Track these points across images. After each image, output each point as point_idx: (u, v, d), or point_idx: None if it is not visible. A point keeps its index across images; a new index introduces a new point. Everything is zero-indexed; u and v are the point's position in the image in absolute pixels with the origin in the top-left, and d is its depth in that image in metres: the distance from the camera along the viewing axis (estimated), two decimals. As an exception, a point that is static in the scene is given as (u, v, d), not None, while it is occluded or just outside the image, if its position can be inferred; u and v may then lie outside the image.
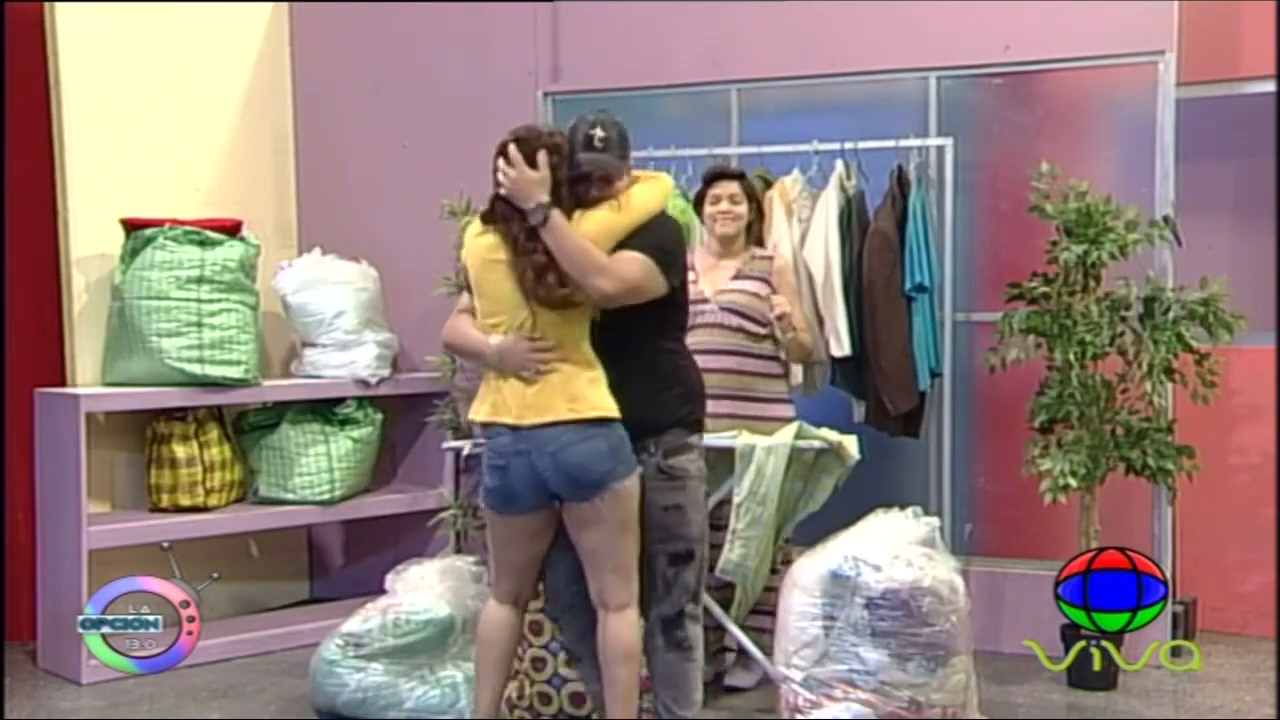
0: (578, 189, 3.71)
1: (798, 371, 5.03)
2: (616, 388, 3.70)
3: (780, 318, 4.63)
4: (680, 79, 5.75)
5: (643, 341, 3.78)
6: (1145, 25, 5.07)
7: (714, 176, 4.86)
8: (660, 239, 3.75)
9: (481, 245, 3.74)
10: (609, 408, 3.67)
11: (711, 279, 4.82)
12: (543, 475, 3.66)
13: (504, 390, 3.70)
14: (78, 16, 5.48)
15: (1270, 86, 5.36)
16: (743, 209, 4.81)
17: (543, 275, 3.61)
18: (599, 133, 3.74)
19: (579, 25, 5.87)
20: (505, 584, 3.88)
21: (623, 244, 3.69)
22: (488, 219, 3.76)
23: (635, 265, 3.66)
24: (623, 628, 3.72)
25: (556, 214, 3.60)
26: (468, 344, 3.82)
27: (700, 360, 4.77)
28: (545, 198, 3.61)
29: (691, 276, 4.87)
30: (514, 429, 3.68)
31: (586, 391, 3.67)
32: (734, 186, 4.80)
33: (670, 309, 3.82)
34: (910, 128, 5.33)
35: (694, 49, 5.69)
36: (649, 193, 3.83)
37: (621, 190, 3.77)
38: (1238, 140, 5.61)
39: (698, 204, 4.92)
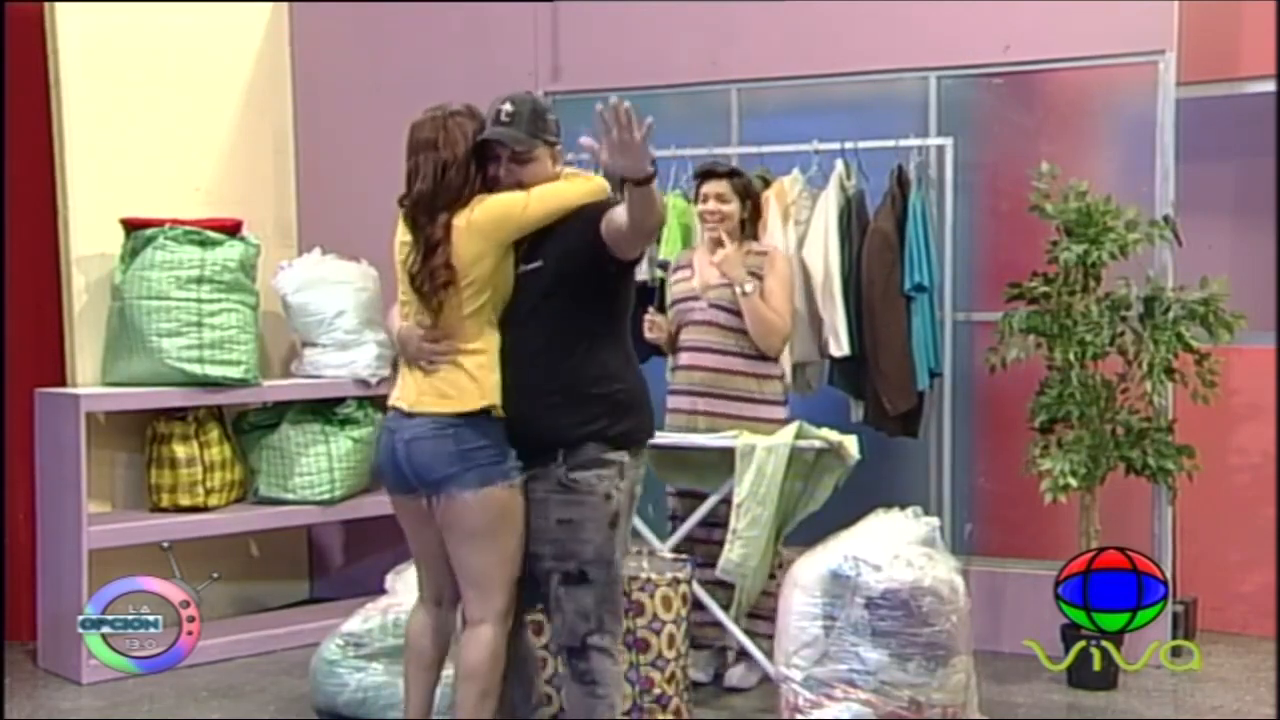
0: (485, 167, 3.47)
1: (787, 371, 5.01)
2: (530, 392, 3.46)
3: (721, 264, 4.66)
4: (680, 79, 5.75)
5: (570, 347, 3.49)
6: (1145, 25, 5.07)
7: (702, 175, 4.86)
8: (603, 208, 3.47)
9: (400, 228, 3.58)
10: (471, 408, 3.44)
11: (705, 276, 4.82)
12: (399, 461, 3.51)
13: (407, 377, 3.57)
14: (78, 16, 5.48)
15: (1270, 86, 5.36)
16: (731, 207, 4.79)
17: (424, 265, 3.43)
18: (507, 107, 3.50)
19: (579, 25, 5.87)
20: (421, 580, 3.72)
21: (558, 231, 3.46)
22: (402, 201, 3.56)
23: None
24: (471, 644, 3.51)
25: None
26: (389, 330, 3.81)
27: (690, 358, 4.81)
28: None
29: (687, 274, 4.91)
30: (402, 413, 3.54)
31: (461, 387, 3.45)
32: (721, 185, 4.79)
33: (605, 316, 3.55)
34: (910, 128, 5.33)
35: (694, 49, 5.69)
36: (575, 185, 3.52)
37: (541, 177, 3.49)
38: (1238, 140, 5.61)
39: (696, 201, 4.93)
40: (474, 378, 3.46)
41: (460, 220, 3.43)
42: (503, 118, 3.48)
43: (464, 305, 3.46)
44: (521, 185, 3.48)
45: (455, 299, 3.45)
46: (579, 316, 3.49)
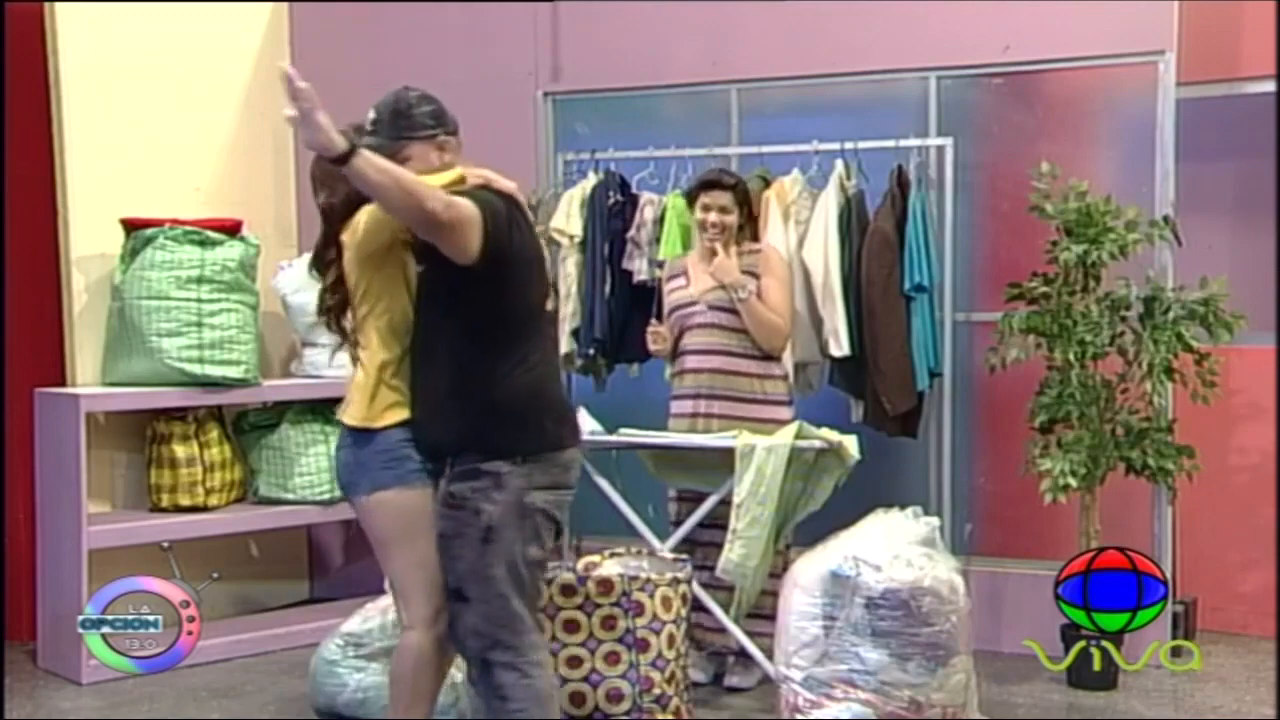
0: None
1: (788, 367, 5.01)
2: (423, 397, 3.41)
3: (716, 273, 4.66)
4: (680, 79, 5.75)
5: (454, 351, 3.37)
6: (1145, 25, 5.07)
7: (706, 185, 4.84)
8: (488, 202, 3.34)
9: None
10: (364, 418, 3.43)
11: (701, 280, 4.83)
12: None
13: None
14: (78, 16, 5.48)
15: (1270, 86, 5.36)
16: (732, 218, 4.80)
17: (325, 286, 3.52)
18: (371, 115, 3.45)
19: (579, 25, 5.87)
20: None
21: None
22: None
23: (463, 202, 3.26)
24: (399, 651, 3.53)
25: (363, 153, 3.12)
26: None
27: (696, 361, 4.81)
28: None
29: (683, 281, 4.91)
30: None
31: (362, 395, 3.45)
32: (724, 197, 4.78)
33: (485, 318, 3.37)
34: (910, 128, 5.33)
35: (694, 49, 5.69)
36: (424, 179, 3.33)
37: (422, 173, 3.36)
38: (1238, 140, 5.60)
39: (690, 203, 4.92)
40: (373, 382, 3.45)
41: (345, 237, 3.49)
42: (368, 127, 3.44)
43: (362, 317, 3.48)
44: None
45: (359, 311, 3.49)
46: (458, 319, 3.37)
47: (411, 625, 3.50)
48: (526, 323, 3.44)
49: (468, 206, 3.26)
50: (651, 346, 4.88)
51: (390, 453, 3.44)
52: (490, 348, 3.37)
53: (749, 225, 4.92)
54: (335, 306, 3.55)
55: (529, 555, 3.38)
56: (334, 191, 3.47)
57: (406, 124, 3.45)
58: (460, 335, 3.37)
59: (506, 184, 3.49)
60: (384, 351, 3.45)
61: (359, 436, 3.46)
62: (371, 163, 3.12)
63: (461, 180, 3.45)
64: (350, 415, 3.48)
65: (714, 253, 4.77)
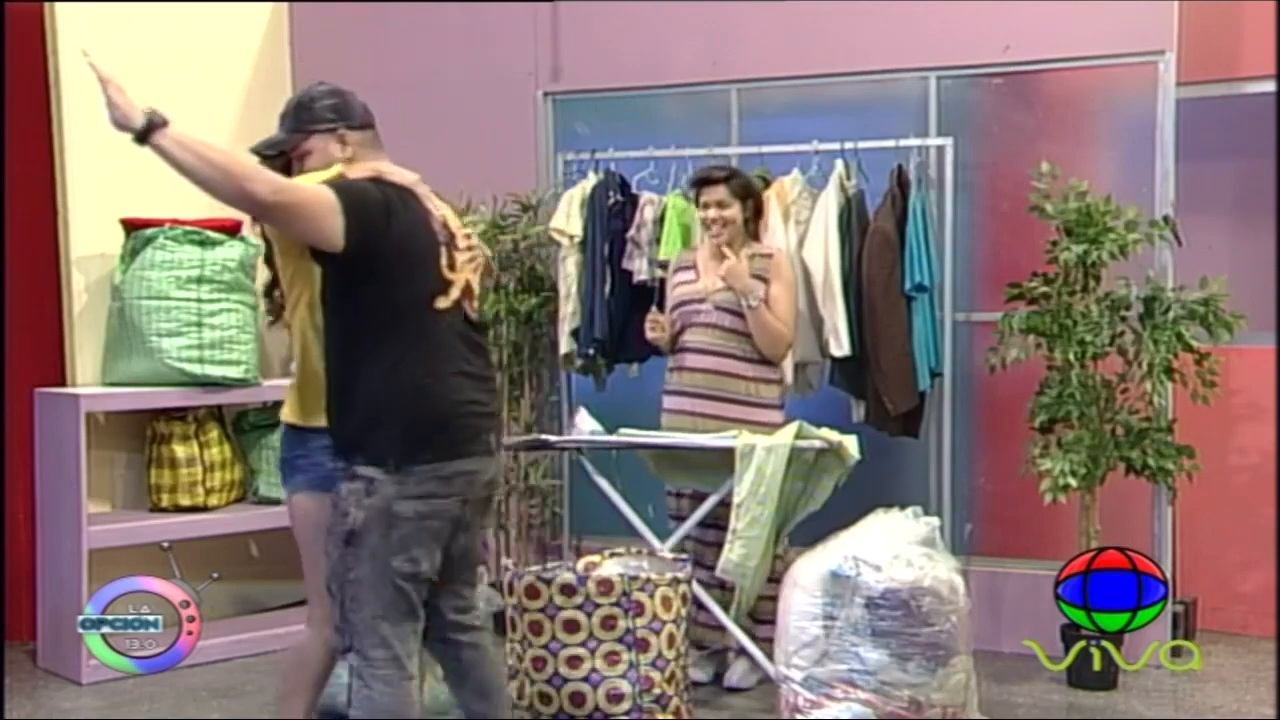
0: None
1: (788, 371, 5.01)
2: (325, 395, 3.32)
3: (727, 277, 4.65)
4: (680, 79, 5.75)
5: (343, 353, 3.26)
6: (1145, 25, 5.07)
7: (699, 182, 4.85)
8: (347, 186, 3.21)
9: None
10: (289, 416, 3.46)
11: (711, 278, 4.83)
12: None
13: None
14: (78, 16, 5.48)
15: (1270, 86, 5.36)
16: (732, 211, 4.79)
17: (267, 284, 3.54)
18: (281, 110, 3.44)
19: (579, 25, 5.87)
20: None
21: None
22: None
23: (303, 186, 3.14)
24: (295, 643, 3.63)
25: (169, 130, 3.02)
26: None
27: (694, 360, 4.81)
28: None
29: (691, 275, 4.91)
30: None
31: (290, 393, 3.48)
32: (720, 192, 4.78)
33: (360, 319, 3.22)
34: (910, 128, 5.33)
35: (694, 49, 5.69)
36: (308, 176, 3.31)
37: (322, 167, 3.35)
38: (1238, 140, 5.60)
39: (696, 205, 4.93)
40: (300, 384, 3.46)
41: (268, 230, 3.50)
42: (278, 123, 3.43)
43: (290, 311, 3.46)
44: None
45: (289, 306, 3.48)
46: (339, 315, 3.26)
47: (308, 622, 3.56)
48: (407, 321, 3.23)
49: (311, 192, 3.11)
50: (649, 334, 4.86)
51: (310, 456, 3.43)
52: (365, 347, 3.21)
53: (754, 221, 4.91)
54: (278, 304, 3.56)
55: (396, 567, 3.20)
56: None
57: (307, 117, 3.41)
58: (342, 333, 3.25)
59: (405, 176, 3.37)
60: (304, 352, 3.43)
61: (288, 435, 3.50)
62: (177, 140, 3.01)
63: (340, 177, 3.31)
64: (283, 412, 3.52)
65: (723, 252, 4.77)
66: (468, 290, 3.35)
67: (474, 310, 3.38)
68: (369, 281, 3.18)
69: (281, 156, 3.41)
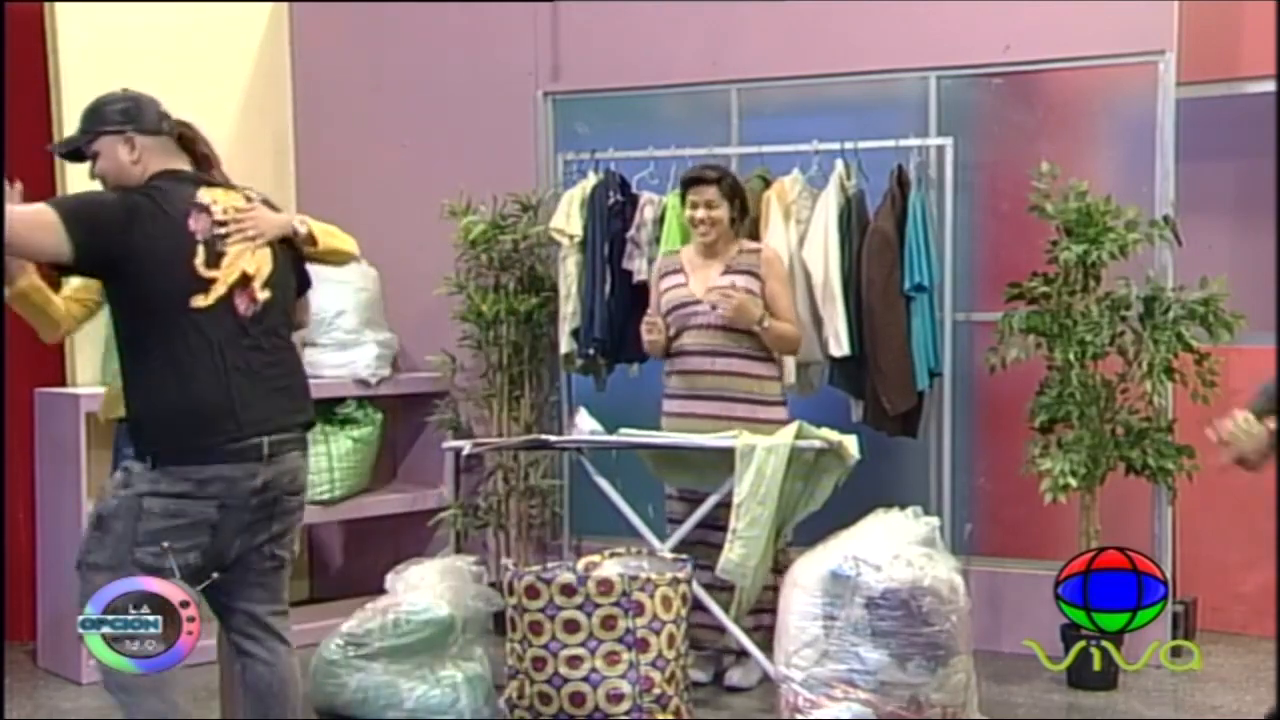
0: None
1: (790, 371, 5.02)
2: None
3: (726, 296, 4.63)
4: (680, 79, 5.75)
5: (119, 350, 3.32)
6: (1145, 25, 5.07)
7: (690, 182, 4.84)
8: (78, 198, 3.28)
9: None
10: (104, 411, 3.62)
11: (701, 278, 4.83)
12: None
13: None
14: (78, 16, 5.48)
15: (1270, 86, 5.35)
16: (720, 212, 4.78)
17: None
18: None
19: (579, 25, 5.87)
20: None
21: None
22: None
23: (17, 211, 3.15)
24: None
25: None
26: None
27: (696, 362, 4.81)
28: None
29: (680, 279, 4.90)
30: None
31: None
32: (709, 192, 4.78)
33: (129, 318, 3.25)
34: (910, 128, 5.33)
35: (694, 49, 5.69)
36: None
37: (112, 168, 3.38)
38: (1238, 140, 5.60)
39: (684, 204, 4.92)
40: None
41: None
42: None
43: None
44: (105, 182, 3.40)
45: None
46: (114, 323, 3.33)
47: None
48: (160, 322, 3.19)
49: (22, 215, 3.12)
50: (646, 336, 4.82)
51: (127, 446, 3.48)
52: (131, 348, 3.26)
53: (741, 220, 4.90)
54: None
55: (139, 558, 3.25)
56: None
57: (97, 119, 3.46)
58: (116, 335, 3.32)
59: (215, 185, 3.42)
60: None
61: (116, 429, 3.60)
62: None
63: (113, 184, 3.36)
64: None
65: (710, 248, 4.77)
66: (243, 284, 3.29)
67: (254, 305, 3.30)
68: (119, 286, 3.23)
69: (80, 155, 3.45)
